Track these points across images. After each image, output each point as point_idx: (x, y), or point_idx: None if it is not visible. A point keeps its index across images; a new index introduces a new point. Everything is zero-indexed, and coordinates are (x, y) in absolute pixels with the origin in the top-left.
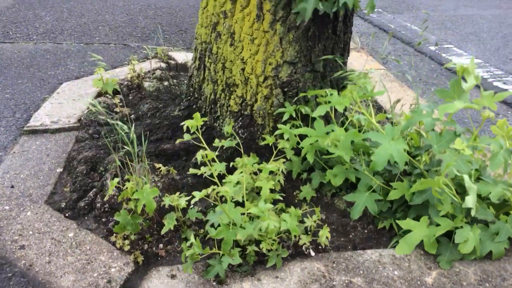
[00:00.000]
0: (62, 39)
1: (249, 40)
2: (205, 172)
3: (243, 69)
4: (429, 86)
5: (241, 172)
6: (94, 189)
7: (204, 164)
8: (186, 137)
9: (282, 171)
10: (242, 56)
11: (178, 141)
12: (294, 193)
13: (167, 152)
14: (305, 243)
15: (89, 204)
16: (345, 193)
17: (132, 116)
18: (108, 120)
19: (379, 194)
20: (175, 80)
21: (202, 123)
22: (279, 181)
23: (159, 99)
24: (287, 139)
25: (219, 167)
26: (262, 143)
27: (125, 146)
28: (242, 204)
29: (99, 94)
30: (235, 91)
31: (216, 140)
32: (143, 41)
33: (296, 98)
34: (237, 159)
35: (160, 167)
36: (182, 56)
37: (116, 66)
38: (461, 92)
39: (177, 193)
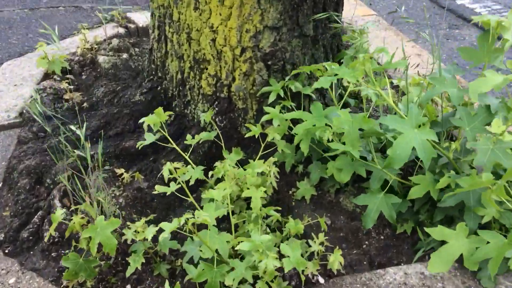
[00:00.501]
0: (3, 5)
1: (217, 2)
2: (178, 184)
3: (213, 40)
4: (422, 28)
5: (223, 183)
6: (40, 212)
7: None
8: (149, 138)
9: (274, 173)
10: (210, 23)
11: (139, 144)
12: (290, 192)
13: (130, 151)
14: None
15: (35, 233)
16: (352, 188)
17: (85, 104)
18: (52, 116)
19: (397, 191)
20: (136, 49)
21: (167, 117)
22: (271, 183)
23: (116, 78)
24: (278, 125)
25: (195, 174)
26: (247, 135)
27: (75, 150)
28: (227, 218)
29: (46, 76)
30: (207, 69)
31: (188, 136)
32: (97, 0)
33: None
34: (217, 164)
35: (122, 174)
36: (143, 18)
37: (66, 35)
38: (493, 51)
39: (143, 220)
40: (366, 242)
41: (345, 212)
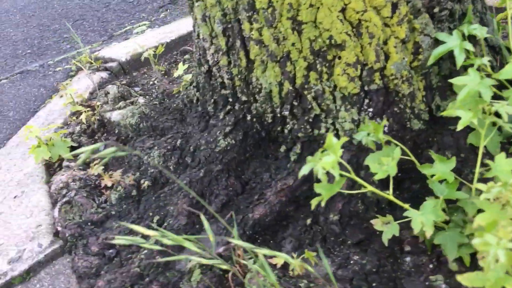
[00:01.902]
0: None
1: None
2: None
3: (343, 11)
4: None
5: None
6: None
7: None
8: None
9: None
10: None
11: (313, 205)
12: None
13: (265, 222)
14: None
15: None
16: None
17: (144, 182)
18: (105, 219)
19: None
20: (137, 88)
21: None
22: None
23: (159, 130)
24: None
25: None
26: (459, 126)
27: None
28: None
29: (49, 167)
30: (340, 58)
31: (374, 167)
32: (40, 56)
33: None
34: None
35: (278, 263)
36: (121, 50)
37: (35, 108)
38: None
39: None
40: None
41: None
